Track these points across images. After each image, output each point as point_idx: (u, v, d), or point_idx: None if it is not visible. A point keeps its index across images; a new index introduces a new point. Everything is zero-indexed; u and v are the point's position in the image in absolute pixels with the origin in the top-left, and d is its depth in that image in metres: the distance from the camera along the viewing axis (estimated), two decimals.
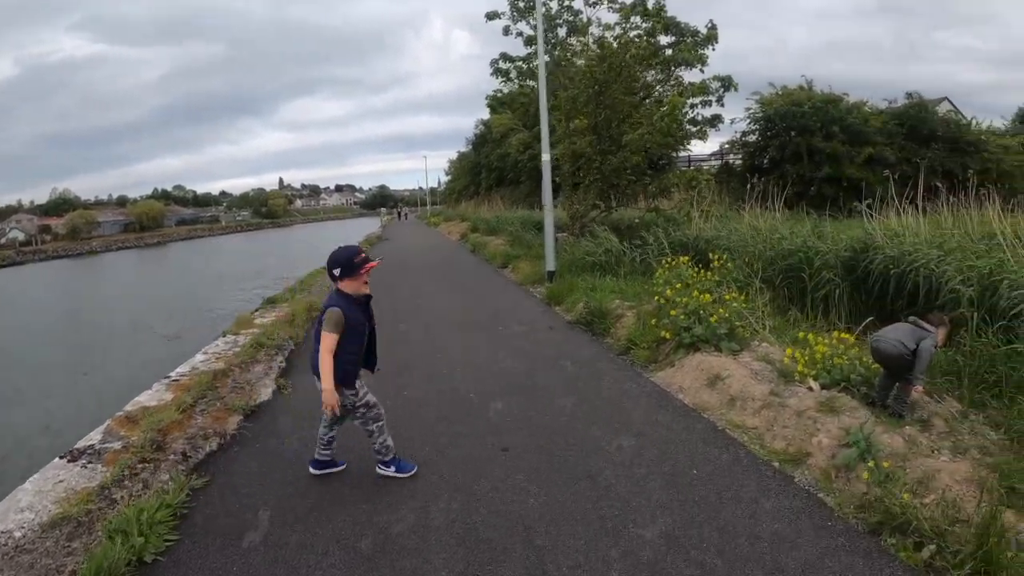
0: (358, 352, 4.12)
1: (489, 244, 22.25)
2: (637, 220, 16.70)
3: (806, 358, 5.84)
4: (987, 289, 6.71)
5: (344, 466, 4.71)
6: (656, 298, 8.22)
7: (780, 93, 29.00)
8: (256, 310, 11.73)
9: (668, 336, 7.22)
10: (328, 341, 3.87)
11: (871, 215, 9.26)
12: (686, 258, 9.76)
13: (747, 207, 13.18)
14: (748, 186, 13.67)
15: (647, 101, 18.39)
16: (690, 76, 21.59)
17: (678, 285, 8.18)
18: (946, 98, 37.50)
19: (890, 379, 5.26)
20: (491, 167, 43.58)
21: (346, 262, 4.01)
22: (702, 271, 9.15)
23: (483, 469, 4.76)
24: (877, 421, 4.90)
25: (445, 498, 4.37)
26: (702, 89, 19.64)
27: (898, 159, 24.98)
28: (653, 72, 20.10)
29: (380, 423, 4.35)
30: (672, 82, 22.15)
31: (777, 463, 4.83)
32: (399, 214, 66.46)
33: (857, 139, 26.31)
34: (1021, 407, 5.03)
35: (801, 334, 6.57)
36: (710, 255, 9.68)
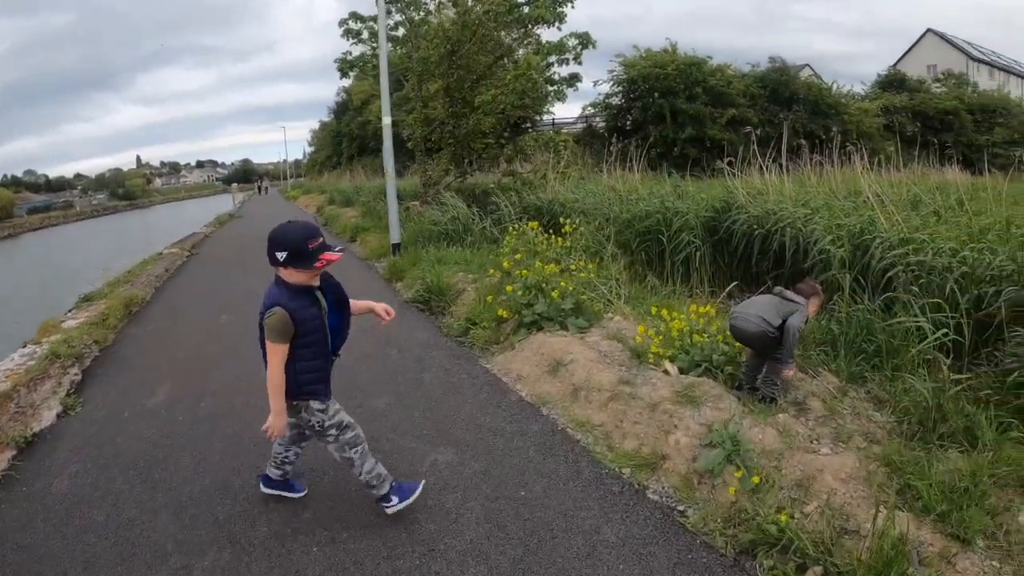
0: (322, 359, 3.23)
1: (341, 216, 20.98)
2: (492, 186, 15.81)
3: (662, 336, 4.98)
4: (858, 249, 6.26)
5: (303, 493, 3.80)
6: (491, 271, 7.21)
7: (644, 56, 29.46)
8: (69, 311, 9.78)
9: (505, 315, 6.22)
10: (277, 354, 3.06)
11: (733, 173, 8.71)
12: (535, 223, 8.82)
13: (607, 169, 12.57)
14: (609, 148, 13.45)
15: (503, 61, 17.42)
16: (548, 35, 20.95)
17: (518, 255, 7.23)
18: (807, 65, 39.46)
19: (757, 359, 4.50)
20: (352, 136, 42.92)
21: (296, 247, 3.00)
22: (553, 237, 8.24)
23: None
24: (745, 411, 4.11)
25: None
26: (559, 47, 18.79)
27: (761, 121, 25.83)
28: (509, 30, 19.14)
29: (359, 447, 3.39)
30: (529, 40, 21.25)
31: (628, 471, 3.93)
32: (259, 188, 62.73)
33: (720, 101, 27.36)
34: (905, 381, 4.37)
35: (654, 308, 5.75)
36: (561, 220, 8.81)
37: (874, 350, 4.89)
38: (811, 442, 3.88)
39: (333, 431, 3.30)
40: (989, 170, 10.51)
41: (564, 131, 23.86)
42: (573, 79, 23.16)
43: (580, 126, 32.13)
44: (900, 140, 12.86)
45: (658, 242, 7.88)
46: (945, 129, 30.06)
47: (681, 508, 3.59)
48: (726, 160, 8.98)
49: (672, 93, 27.04)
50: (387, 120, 12.90)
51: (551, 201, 11.55)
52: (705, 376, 4.60)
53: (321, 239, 3.03)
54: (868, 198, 7.19)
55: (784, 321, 4.18)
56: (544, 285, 6.24)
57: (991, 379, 4.35)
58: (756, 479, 3.45)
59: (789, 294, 4.36)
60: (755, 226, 7.19)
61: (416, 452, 4.27)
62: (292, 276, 3.02)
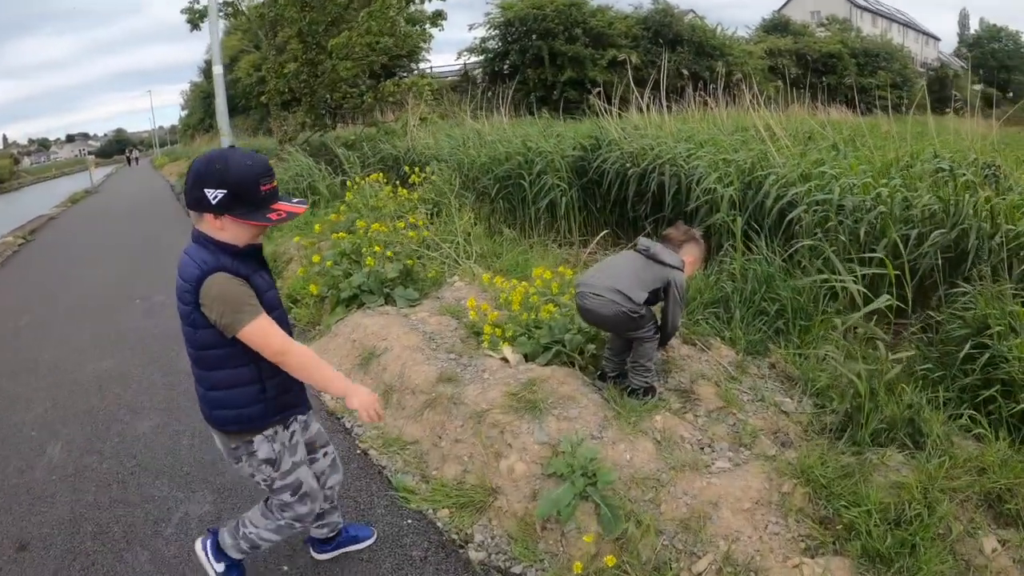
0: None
1: None
2: (354, 138, 14.45)
3: (504, 308, 3.83)
4: (750, 187, 5.29)
5: (373, 538, 2.68)
6: (299, 239, 5.88)
7: None
8: None
9: (315, 291, 4.92)
10: (268, 328, 1.94)
11: (608, 111, 7.63)
12: (376, 175, 7.50)
13: (480, 115, 11.38)
14: (488, 94, 12.51)
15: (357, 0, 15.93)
16: None
17: (334, 216, 5.96)
18: (692, 11, 39.41)
19: (621, 340, 3.33)
20: None
21: (241, 185, 1.88)
22: (400, 190, 6.95)
23: None
24: (610, 415, 2.95)
25: None
26: None
27: (644, 62, 25.27)
28: None
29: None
30: None
31: (445, 514, 2.71)
32: (128, 160, 58.34)
33: (601, 42, 27.16)
34: (817, 349, 3.37)
35: (486, 277, 4.58)
36: (407, 169, 7.58)
37: (777, 311, 3.91)
38: (702, 452, 2.83)
39: (287, 494, 2.22)
40: (871, 110, 10.19)
41: (440, 79, 22.66)
42: (437, 17, 21.71)
43: (457, 73, 31.10)
44: (785, 82, 12.45)
45: (520, 188, 6.71)
46: (829, 72, 30.98)
47: (517, 571, 2.42)
48: (595, 91, 7.91)
49: (551, 35, 26.46)
50: (218, 69, 12.04)
51: (407, 150, 10.29)
52: (556, 363, 3.45)
53: (275, 180, 1.99)
54: (758, 131, 6.27)
55: (655, 293, 3.04)
56: (364, 250, 4.95)
57: (929, 351, 3.41)
58: (624, 525, 2.33)
59: (657, 249, 3.13)
60: (629, 165, 6.12)
61: (166, 502, 3.00)
62: (229, 230, 1.93)
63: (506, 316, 3.84)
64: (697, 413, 3.13)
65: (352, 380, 2.11)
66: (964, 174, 4.38)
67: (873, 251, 4.12)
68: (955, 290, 3.62)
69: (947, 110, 9.93)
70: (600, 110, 7.54)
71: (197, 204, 1.87)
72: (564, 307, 3.74)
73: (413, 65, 18.64)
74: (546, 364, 3.40)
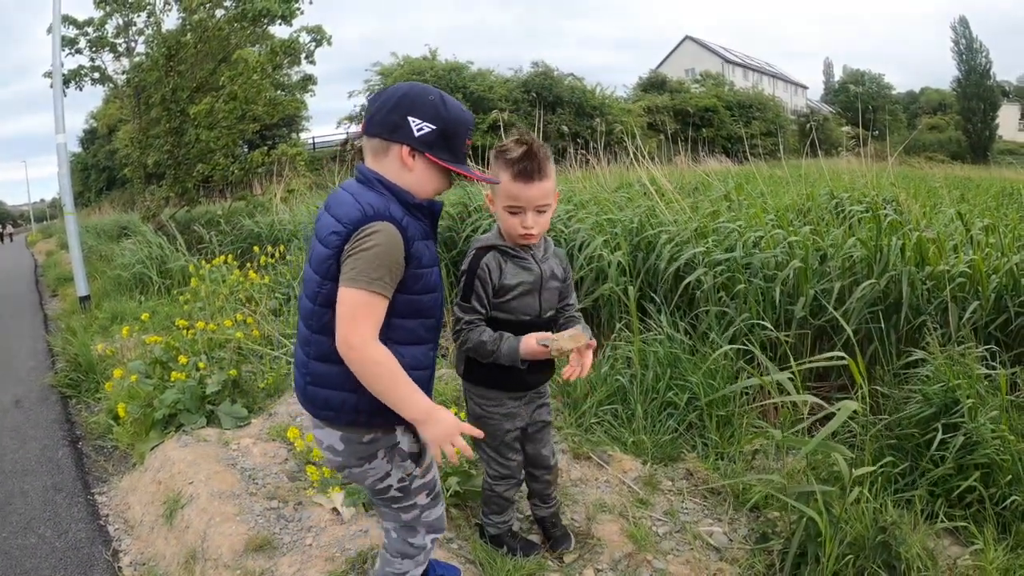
0: (433, 342, 1.70)
1: (62, 262, 17.31)
2: (220, 214, 13.41)
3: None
4: (639, 250, 4.74)
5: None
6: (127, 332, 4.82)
7: (402, 63, 28.84)
8: None
9: (123, 414, 3.84)
10: (372, 313, 1.50)
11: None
12: (223, 258, 6.48)
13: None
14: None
15: (225, 64, 15.24)
16: (281, 32, 18.94)
17: (145, 317, 4.98)
18: (571, 74, 40.76)
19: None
20: (100, 168, 38.22)
21: (452, 126, 1.62)
22: (251, 273, 5.97)
23: None
24: None
25: None
26: (291, 46, 16.56)
27: (525, 125, 25.36)
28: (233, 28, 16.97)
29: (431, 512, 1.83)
30: (258, 40, 19.12)
31: None
32: (2, 236, 54.88)
33: (481, 106, 27.04)
34: (741, 446, 2.65)
35: None
36: (255, 249, 6.63)
37: (688, 402, 3.19)
38: None
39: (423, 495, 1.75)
40: (747, 159, 10.31)
41: (321, 149, 21.97)
42: (307, 82, 21.14)
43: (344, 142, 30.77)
44: (665, 136, 12.65)
45: None
46: (706, 125, 32.15)
47: None
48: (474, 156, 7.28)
49: None
50: (60, 139, 10.88)
51: (270, 225, 9.32)
52: None
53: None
54: (644, 186, 5.79)
55: None
56: (181, 359, 3.99)
57: (885, 437, 2.72)
58: None
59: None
60: None
61: None
62: (416, 174, 1.58)
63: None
64: (599, 567, 2.27)
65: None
66: (888, 214, 3.88)
67: (790, 312, 3.51)
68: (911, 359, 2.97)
69: (830, 153, 10.10)
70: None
71: (392, 131, 1.55)
72: None
73: (293, 135, 17.81)
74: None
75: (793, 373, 2.66)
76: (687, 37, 51.95)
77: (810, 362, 2.87)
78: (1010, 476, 2.45)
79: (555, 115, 27.64)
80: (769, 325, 3.44)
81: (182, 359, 3.90)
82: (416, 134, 1.54)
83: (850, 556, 2.10)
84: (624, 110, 30.66)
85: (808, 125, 32.87)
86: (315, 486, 2.73)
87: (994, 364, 2.96)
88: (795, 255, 3.76)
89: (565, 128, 22.78)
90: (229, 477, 3.02)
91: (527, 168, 1.88)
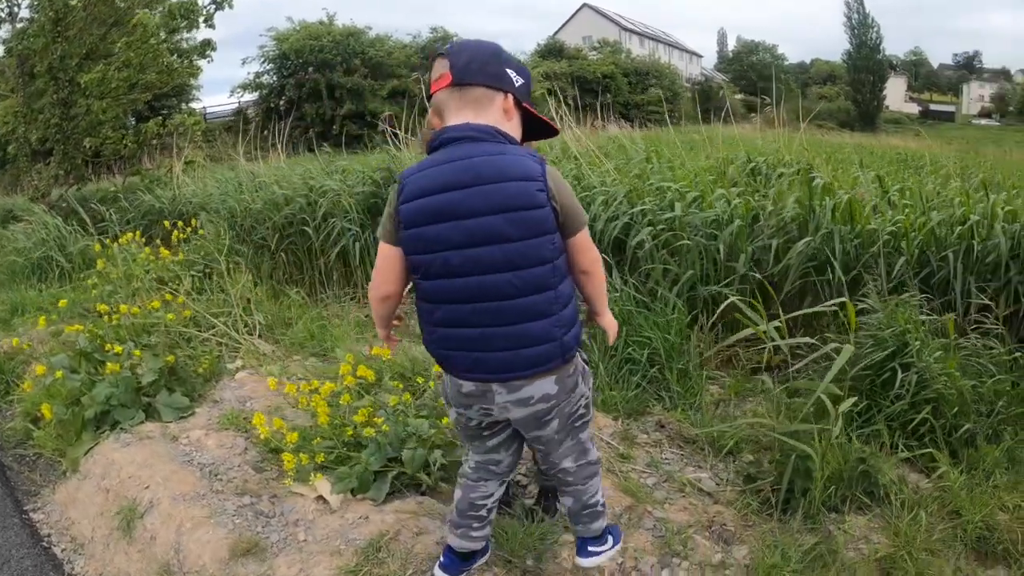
0: None
1: None
2: (114, 190, 12.54)
3: (312, 407, 2.78)
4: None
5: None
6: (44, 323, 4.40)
7: (298, 28, 27.44)
8: None
9: (48, 415, 3.43)
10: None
11: (400, 137, 6.78)
12: (129, 235, 6.02)
13: (254, 155, 10.15)
14: (264, 132, 11.63)
15: (116, 29, 14.16)
16: None
17: (62, 303, 4.62)
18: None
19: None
20: None
21: (530, 80, 1.68)
22: (162, 251, 5.56)
23: None
24: None
25: None
26: (189, 8, 15.51)
27: (422, 91, 25.04)
28: None
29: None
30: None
31: None
32: None
33: (380, 73, 26.54)
34: (701, 397, 2.72)
35: (272, 382, 3.23)
36: (166, 225, 6.24)
37: (649, 357, 3.24)
38: None
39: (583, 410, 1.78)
40: (645, 125, 10.48)
41: (212, 120, 20.89)
42: (206, 47, 19.98)
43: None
44: (562, 104, 12.63)
45: (304, 236, 5.63)
46: (604, 92, 32.29)
47: None
48: (384, 117, 7.11)
49: (329, 67, 25.54)
50: None
51: (173, 200, 8.76)
52: (397, 496, 2.46)
53: None
54: (564, 151, 5.93)
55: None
56: (108, 347, 3.63)
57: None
58: None
59: None
60: None
61: None
62: (515, 124, 1.60)
63: (312, 426, 2.79)
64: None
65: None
66: (817, 176, 4.06)
67: (731, 269, 3.62)
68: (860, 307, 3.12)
69: (725, 120, 10.42)
70: (391, 138, 6.68)
71: (500, 80, 1.55)
72: (401, 405, 2.72)
73: (183, 105, 16.81)
74: (383, 502, 2.40)
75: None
76: (584, 5, 52.12)
77: (804, 312, 3.14)
78: (956, 408, 2.66)
79: None
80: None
81: (116, 348, 3.54)
82: (517, 84, 1.58)
83: (832, 487, 2.27)
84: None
85: (720, 92, 33.88)
86: (291, 474, 2.54)
87: (929, 312, 3.15)
88: (736, 214, 3.86)
89: None
90: (188, 476, 2.76)
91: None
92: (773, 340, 2.86)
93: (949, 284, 3.47)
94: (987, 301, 3.35)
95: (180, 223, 6.12)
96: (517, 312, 1.50)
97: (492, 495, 1.86)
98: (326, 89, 25.24)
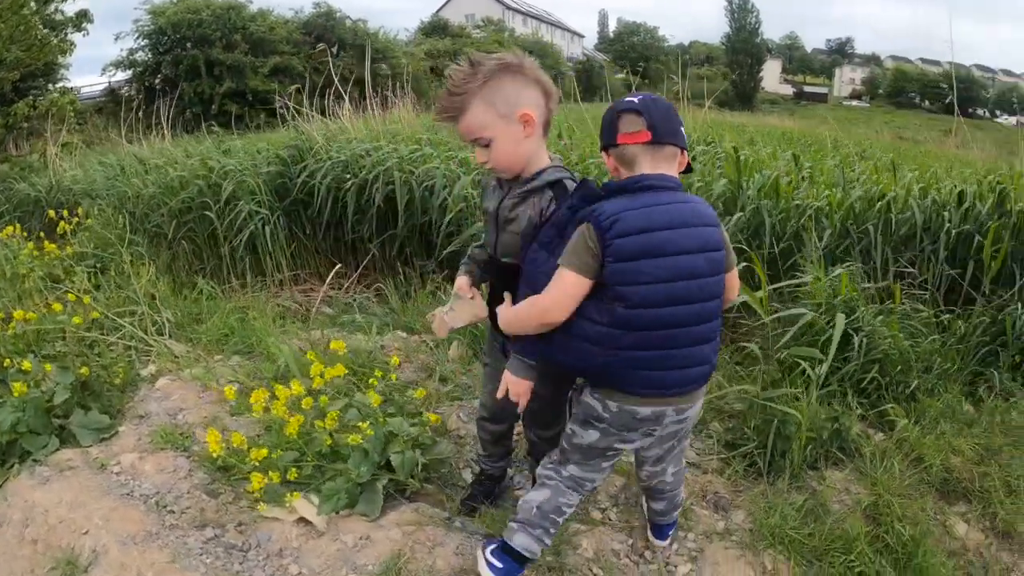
0: None
1: None
2: None
3: (264, 411, 2.44)
4: None
5: None
6: None
7: (175, 2, 25.63)
8: None
9: None
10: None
11: (303, 112, 6.42)
12: (10, 228, 5.35)
13: (134, 138, 9.34)
14: (139, 113, 10.01)
15: None
16: None
17: None
18: (348, 16, 39.33)
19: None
20: None
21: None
22: (47, 244, 4.94)
23: None
24: None
25: None
26: None
27: (306, 68, 23.99)
28: None
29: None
30: None
31: None
32: None
33: (261, 48, 25.09)
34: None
35: (217, 386, 3.01)
36: (51, 214, 5.60)
37: None
38: (649, 564, 2.09)
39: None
40: None
41: (82, 102, 19.27)
42: (81, 18, 18.45)
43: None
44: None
45: (207, 222, 5.22)
46: None
47: None
48: (290, 91, 6.68)
49: (208, 42, 23.98)
50: None
51: (51, 188, 7.95)
52: (389, 509, 2.19)
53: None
54: None
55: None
56: (7, 363, 3.03)
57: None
58: None
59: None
60: (349, 176, 5.02)
61: None
62: None
63: (260, 435, 2.53)
64: (602, 506, 2.29)
65: None
66: (746, 154, 4.21)
67: None
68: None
69: (604, 99, 10.65)
70: (295, 113, 6.33)
71: (682, 140, 1.66)
72: (368, 410, 2.41)
73: (51, 86, 15.38)
74: (380, 516, 2.13)
75: None
76: None
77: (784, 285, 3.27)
78: (899, 367, 2.83)
79: (338, 58, 26.57)
80: None
81: (24, 364, 2.94)
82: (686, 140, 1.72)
83: (809, 447, 2.40)
84: (408, 54, 30.03)
85: (602, 71, 34.32)
86: (259, 496, 2.18)
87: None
88: None
89: (348, 75, 22.12)
90: (133, 512, 2.29)
91: (437, 108, 1.84)
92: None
93: (869, 254, 3.69)
94: (911, 269, 3.61)
95: (66, 212, 5.53)
96: (693, 338, 1.61)
97: (574, 507, 1.88)
98: (205, 66, 23.79)
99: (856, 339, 2.75)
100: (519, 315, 1.66)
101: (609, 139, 1.62)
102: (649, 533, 2.10)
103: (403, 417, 2.35)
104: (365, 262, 4.91)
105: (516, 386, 1.74)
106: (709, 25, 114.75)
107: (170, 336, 3.75)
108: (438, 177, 4.63)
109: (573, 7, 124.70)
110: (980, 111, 53.49)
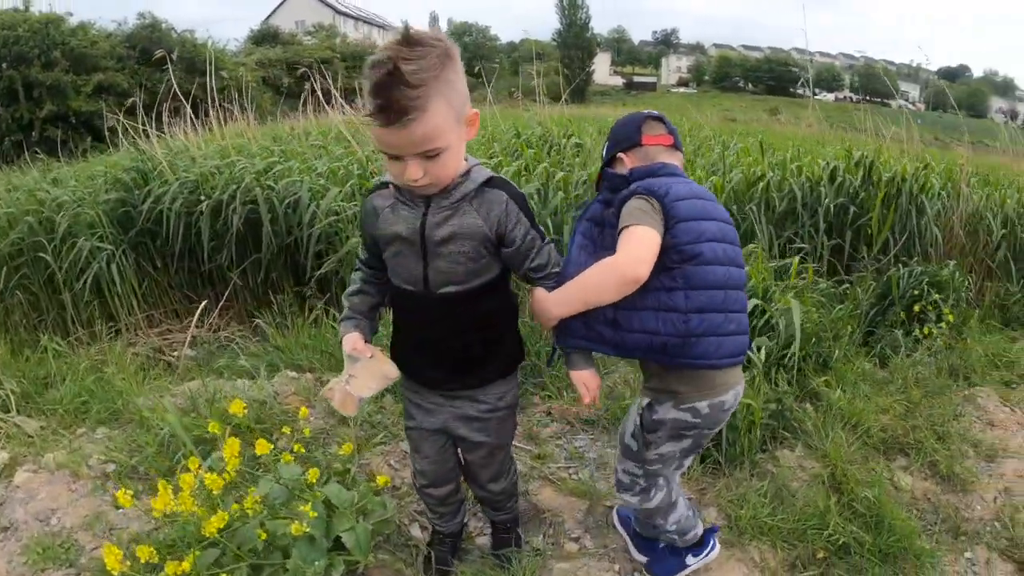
0: None
1: None
2: None
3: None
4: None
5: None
6: None
7: None
8: None
9: None
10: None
11: (140, 130, 5.75)
12: None
13: None
14: None
15: None
16: None
17: None
18: (174, 28, 37.14)
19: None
20: None
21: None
22: None
23: None
24: None
25: None
26: None
27: (131, 85, 21.96)
28: None
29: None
30: None
31: None
32: None
33: (83, 65, 22.74)
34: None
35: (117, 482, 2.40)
36: None
37: None
38: None
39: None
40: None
41: None
42: None
43: None
44: (277, 92, 12.35)
45: (42, 264, 4.48)
46: (321, 77, 31.46)
47: None
48: (123, 109, 5.96)
49: (25, 61, 21.66)
50: None
51: None
52: None
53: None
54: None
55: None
56: None
57: None
58: None
59: None
60: (203, 197, 4.43)
61: None
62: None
63: (152, 529, 2.05)
64: (574, 534, 2.12)
65: None
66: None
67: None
68: None
69: None
70: (129, 132, 5.63)
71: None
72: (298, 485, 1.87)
73: None
74: None
75: None
76: None
77: None
78: (814, 339, 2.89)
79: (165, 72, 24.88)
80: None
81: None
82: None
83: (757, 431, 2.37)
84: (238, 64, 28.62)
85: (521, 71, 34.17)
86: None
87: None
88: (558, 186, 3.83)
89: (176, 89, 20.74)
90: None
91: (381, 107, 1.32)
92: None
93: (755, 234, 3.79)
94: (803, 244, 3.77)
95: None
96: (741, 304, 1.58)
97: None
98: (23, 88, 21.42)
99: (777, 319, 2.75)
100: (586, 285, 1.47)
101: (634, 140, 1.64)
102: (634, 550, 1.96)
103: (332, 478, 1.96)
104: (227, 294, 4.31)
105: (589, 379, 1.60)
106: (541, 21, 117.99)
107: (17, 411, 3.07)
108: (303, 190, 4.19)
109: (404, 10, 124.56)
110: (801, 90, 58.55)
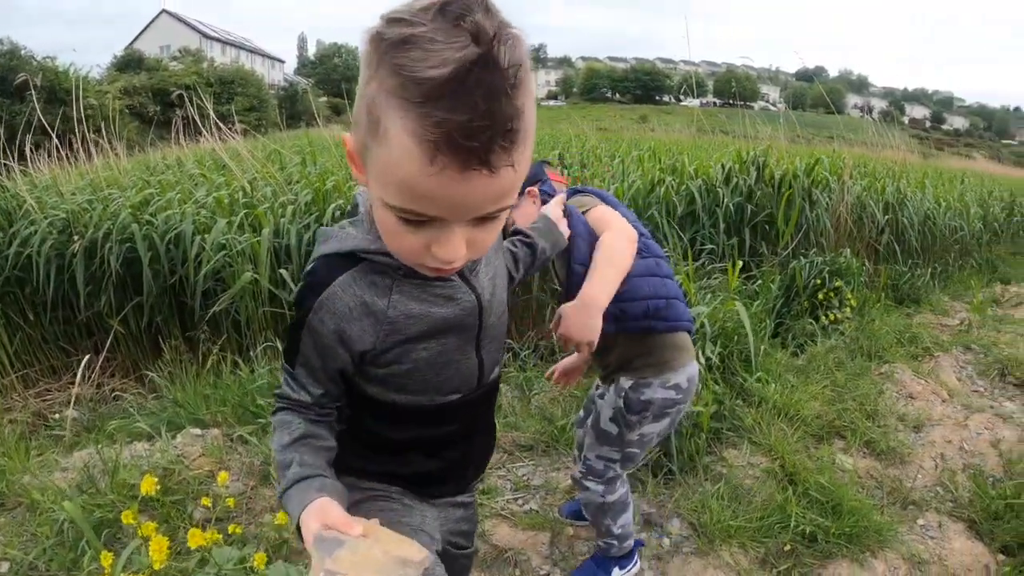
0: None
1: None
2: None
3: None
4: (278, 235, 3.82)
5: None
6: None
7: None
8: None
9: None
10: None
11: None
12: None
13: None
14: None
15: None
16: None
17: None
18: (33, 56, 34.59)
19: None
20: None
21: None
22: None
23: None
24: None
25: None
26: None
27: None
28: None
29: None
30: None
31: None
32: None
33: None
34: None
35: None
36: None
37: None
38: None
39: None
40: (239, 134, 10.38)
41: None
42: None
43: None
44: (144, 120, 11.74)
45: None
46: (190, 103, 30.09)
47: None
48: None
49: None
50: None
51: None
52: None
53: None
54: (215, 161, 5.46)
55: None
56: None
57: None
58: None
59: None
60: (77, 237, 3.98)
61: None
62: None
63: None
64: (541, 572, 1.98)
65: None
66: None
67: None
68: None
69: (310, 123, 10.52)
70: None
71: None
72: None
73: None
74: None
75: None
76: (163, 11, 48.18)
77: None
78: (735, 336, 2.87)
79: (23, 103, 22.84)
80: None
81: None
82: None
83: (702, 434, 2.37)
84: (101, 93, 26.85)
85: (305, 96, 33.54)
86: None
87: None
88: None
89: (35, 122, 19.11)
90: None
91: (480, 132, 0.65)
92: None
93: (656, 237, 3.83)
94: (712, 246, 3.87)
95: None
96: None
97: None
98: None
99: (705, 319, 2.75)
100: (613, 259, 1.44)
101: (540, 177, 1.72)
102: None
103: (269, 553, 1.72)
104: (108, 344, 3.81)
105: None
106: None
107: None
108: (185, 224, 3.81)
109: (271, 32, 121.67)
110: (667, 97, 61.15)
